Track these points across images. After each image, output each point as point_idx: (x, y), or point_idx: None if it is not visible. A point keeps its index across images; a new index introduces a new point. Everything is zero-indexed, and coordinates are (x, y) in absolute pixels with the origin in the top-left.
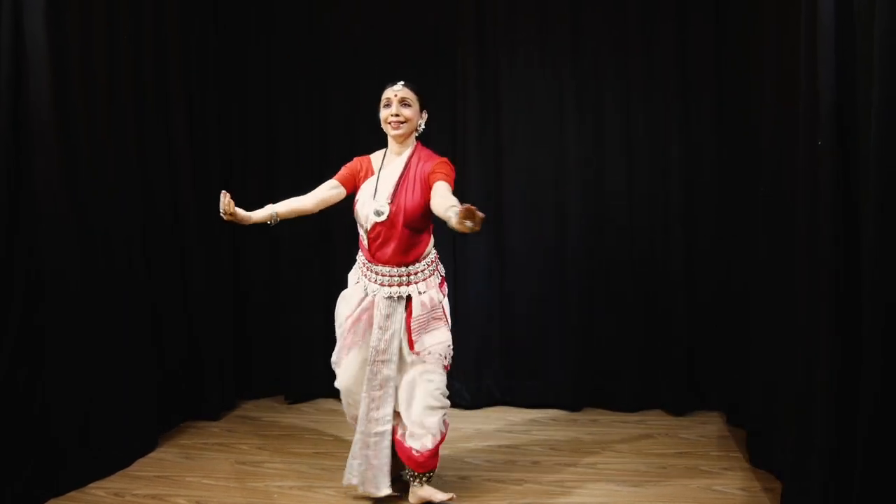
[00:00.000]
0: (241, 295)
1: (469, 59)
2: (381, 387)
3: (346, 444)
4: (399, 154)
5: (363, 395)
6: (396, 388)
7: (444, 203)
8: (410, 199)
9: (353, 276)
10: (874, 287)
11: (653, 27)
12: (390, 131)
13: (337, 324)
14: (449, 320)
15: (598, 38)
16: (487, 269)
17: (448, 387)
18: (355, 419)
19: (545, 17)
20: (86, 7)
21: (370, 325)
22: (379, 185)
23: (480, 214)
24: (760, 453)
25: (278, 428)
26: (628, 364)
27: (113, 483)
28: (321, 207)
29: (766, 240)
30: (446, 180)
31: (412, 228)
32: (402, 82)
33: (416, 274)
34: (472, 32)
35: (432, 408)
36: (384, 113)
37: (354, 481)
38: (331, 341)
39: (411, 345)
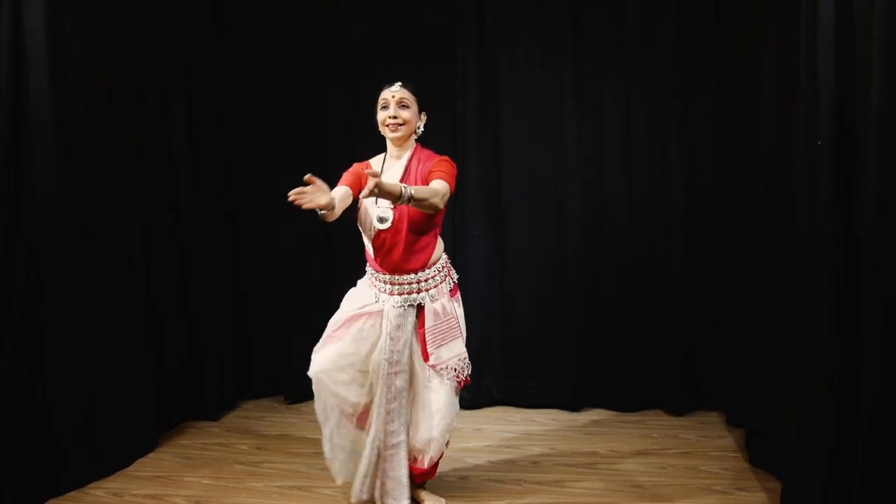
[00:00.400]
0: (241, 295)
1: (469, 59)
2: (395, 399)
3: None
4: (399, 157)
5: (378, 409)
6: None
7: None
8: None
9: (363, 282)
10: (874, 287)
11: (653, 27)
12: (388, 134)
13: (335, 315)
14: (464, 331)
15: (598, 38)
16: (487, 269)
17: None
18: (325, 414)
19: (545, 17)
20: (85, 7)
21: (367, 330)
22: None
23: (372, 183)
24: (760, 453)
25: (278, 428)
26: (628, 364)
27: (112, 483)
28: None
29: (766, 240)
30: (444, 178)
31: (418, 233)
32: (399, 83)
33: (426, 281)
34: (472, 32)
35: (441, 427)
36: (382, 115)
37: (365, 496)
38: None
39: (426, 356)
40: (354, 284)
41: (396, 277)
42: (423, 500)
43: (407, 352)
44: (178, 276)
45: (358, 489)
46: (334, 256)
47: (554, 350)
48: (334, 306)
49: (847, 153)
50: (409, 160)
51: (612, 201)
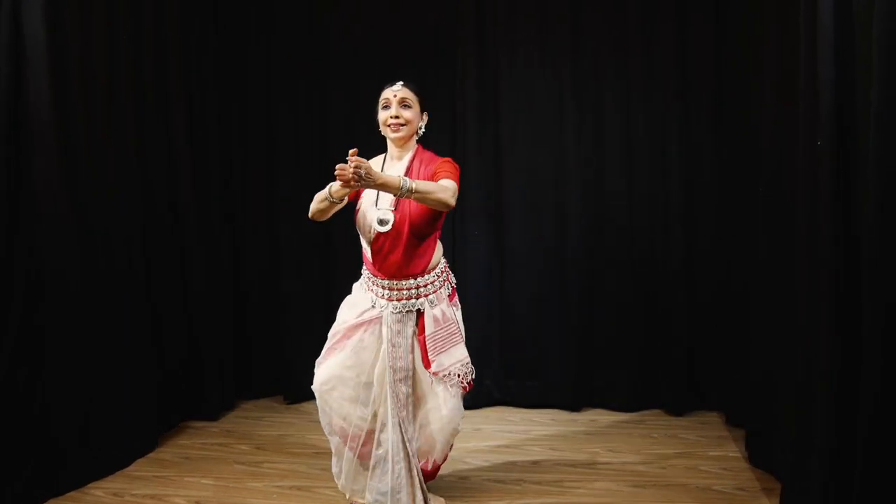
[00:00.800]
0: (240, 295)
1: (469, 59)
2: (405, 406)
3: None
4: (400, 158)
5: (391, 419)
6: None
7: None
8: (416, 205)
9: (359, 286)
10: (874, 287)
11: (653, 27)
12: (390, 134)
13: (334, 326)
14: (463, 335)
15: (598, 38)
16: (487, 269)
17: None
18: (331, 427)
19: (545, 17)
20: (85, 6)
21: (368, 339)
22: (381, 192)
23: (349, 170)
24: (760, 453)
25: (277, 428)
26: (628, 364)
27: (112, 483)
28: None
29: (766, 240)
30: (451, 177)
31: (418, 236)
32: (401, 82)
33: (425, 286)
34: (472, 32)
35: (446, 431)
36: (383, 115)
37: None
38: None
39: (427, 364)
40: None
41: (395, 283)
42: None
43: (409, 356)
44: (178, 276)
45: (373, 499)
46: (334, 256)
47: (554, 350)
48: (334, 307)
49: (847, 153)
50: (411, 161)
51: (612, 201)
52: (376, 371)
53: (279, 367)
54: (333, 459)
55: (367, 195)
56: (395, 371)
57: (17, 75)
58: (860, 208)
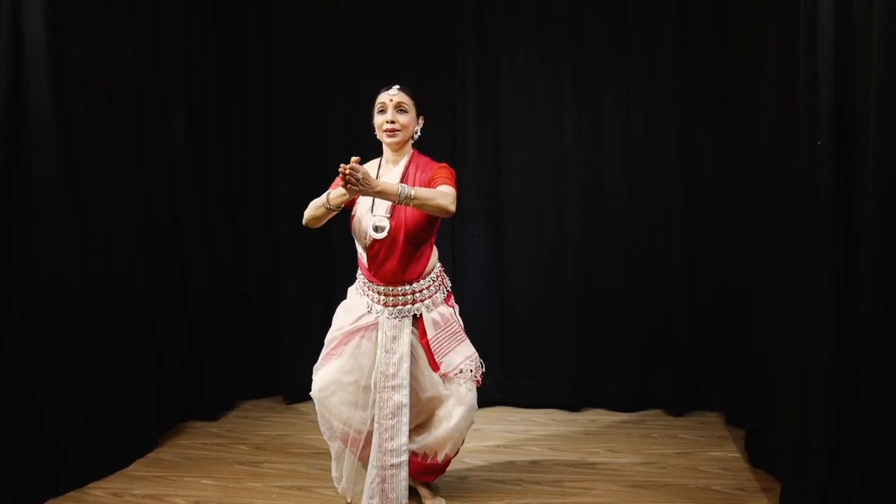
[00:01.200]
0: (240, 295)
1: (469, 59)
2: (394, 415)
3: None
4: (395, 163)
5: (375, 425)
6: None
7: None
8: (411, 211)
9: (354, 291)
10: (873, 287)
11: (653, 27)
12: (385, 139)
13: (330, 332)
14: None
15: (598, 38)
16: (487, 269)
17: None
18: (331, 432)
19: (545, 17)
20: (85, 7)
21: (365, 344)
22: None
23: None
24: (760, 453)
25: (277, 428)
26: (628, 364)
27: (112, 483)
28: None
29: (766, 240)
30: (449, 183)
31: (414, 243)
32: (397, 86)
33: (421, 292)
34: (472, 32)
35: (462, 427)
36: (379, 119)
37: None
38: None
39: (435, 367)
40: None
41: (391, 289)
42: (424, 498)
43: (405, 365)
44: (178, 275)
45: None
46: (333, 257)
47: (553, 350)
48: (333, 307)
49: (847, 153)
50: (407, 166)
51: (612, 201)
52: (373, 375)
53: (278, 367)
54: (333, 465)
55: (363, 201)
56: (385, 377)
57: (17, 75)
58: (860, 208)
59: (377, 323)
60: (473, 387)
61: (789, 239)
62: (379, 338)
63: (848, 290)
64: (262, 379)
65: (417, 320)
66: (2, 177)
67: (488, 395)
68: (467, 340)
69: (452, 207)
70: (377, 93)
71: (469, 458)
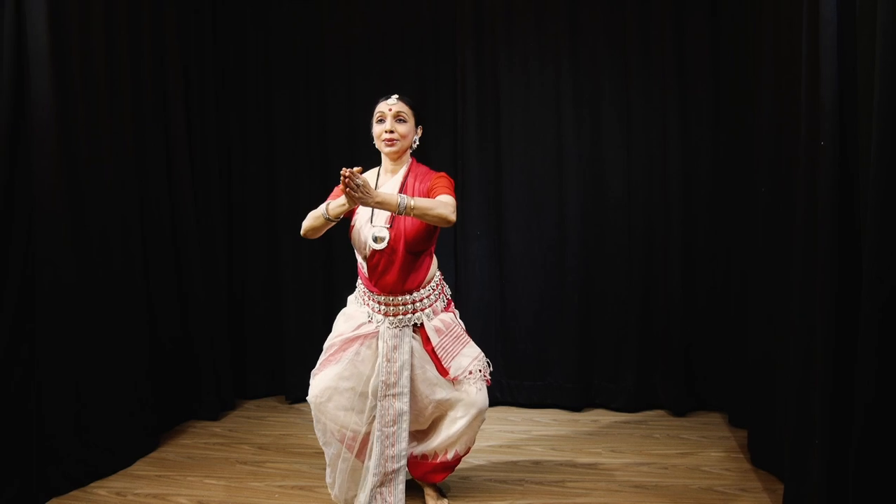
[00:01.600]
0: (242, 294)
1: (468, 59)
2: (395, 422)
3: None
4: (394, 173)
5: (377, 432)
6: (412, 417)
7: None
8: (411, 221)
9: (354, 299)
10: (874, 288)
11: (651, 25)
12: (384, 149)
13: (329, 338)
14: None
15: (596, 37)
16: (488, 269)
17: None
18: (326, 437)
19: (543, 16)
20: (84, 7)
21: (364, 352)
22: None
23: (354, 181)
24: (762, 454)
25: (279, 428)
26: (630, 364)
27: (114, 483)
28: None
29: (766, 239)
30: (448, 192)
31: (414, 253)
32: (395, 95)
33: (421, 301)
34: (471, 32)
35: (475, 427)
36: (377, 129)
37: None
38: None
39: (444, 372)
40: (354, 283)
41: (391, 298)
42: (429, 497)
43: (406, 373)
44: (178, 275)
45: None
46: (335, 255)
47: (555, 350)
48: (335, 306)
49: (848, 152)
50: (406, 175)
51: (611, 200)
52: (371, 383)
53: (280, 367)
54: (328, 471)
55: (362, 211)
56: (387, 386)
57: (20, 74)
58: (861, 210)
59: (377, 332)
60: (483, 386)
61: (789, 240)
62: (380, 347)
63: (847, 291)
64: (264, 378)
65: (419, 328)
66: (3, 173)
67: (490, 395)
68: (472, 342)
69: (453, 217)
70: (376, 102)
71: (471, 457)
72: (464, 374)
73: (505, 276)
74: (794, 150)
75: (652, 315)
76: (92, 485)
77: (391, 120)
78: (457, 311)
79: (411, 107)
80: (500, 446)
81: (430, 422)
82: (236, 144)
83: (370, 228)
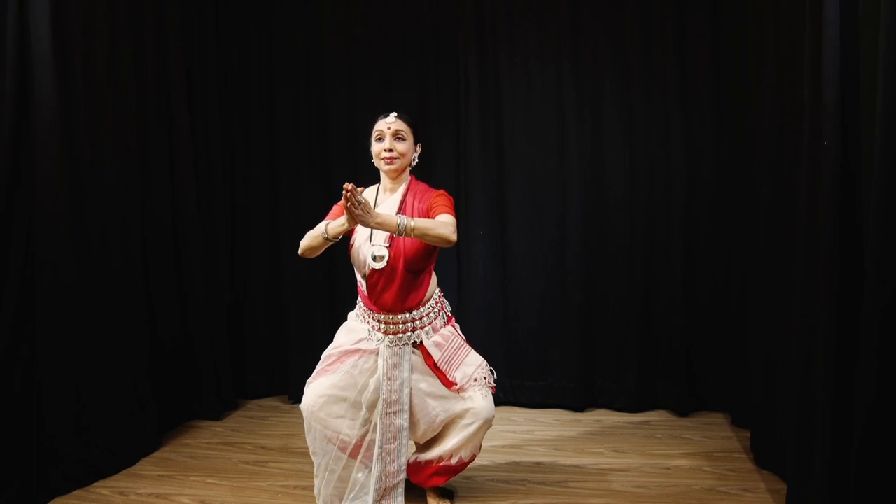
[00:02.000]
0: (244, 294)
1: (470, 60)
2: (396, 439)
3: None
4: (393, 191)
5: (378, 449)
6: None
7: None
8: (410, 240)
9: (354, 316)
10: (875, 289)
11: (652, 25)
12: (383, 167)
13: (329, 348)
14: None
15: (597, 37)
16: (490, 269)
17: None
18: (315, 447)
19: (544, 16)
20: (87, 8)
21: (362, 365)
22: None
23: (354, 197)
24: (765, 454)
25: (282, 428)
26: (632, 364)
27: (117, 482)
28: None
29: (768, 239)
30: (448, 211)
31: (413, 271)
32: (394, 113)
33: (420, 319)
34: (472, 32)
35: (482, 433)
36: (376, 147)
37: None
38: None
39: (449, 384)
40: (354, 283)
41: (391, 317)
42: (429, 498)
43: (406, 391)
44: (179, 275)
45: None
46: (337, 256)
47: (558, 350)
48: (335, 306)
49: (850, 153)
50: (405, 193)
51: (612, 200)
52: (368, 398)
53: (282, 366)
54: (315, 481)
55: (361, 230)
56: (388, 403)
57: (24, 75)
58: (863, 209)
59: (377, 350)
60: (489, 393)
61: (790, 239)
62: (380, 365)
63: (849, 292)
64: (266, 378)
65: (419, 346)
66: (7, 173)
67: (493, 396)
68: (473, 351)
69: (454, 237)
70: (374, 120)
71: None
72: (469, 382)
73: (507, 277)
74: (795, 150)
75: (653, 315)
76: (94, 484)
77: (390, 138)
78: (457, 325)
79: (410, 124)
80: (503, 446)
81: (439, 430)
82: (239, 146)
83: (369, 247)
